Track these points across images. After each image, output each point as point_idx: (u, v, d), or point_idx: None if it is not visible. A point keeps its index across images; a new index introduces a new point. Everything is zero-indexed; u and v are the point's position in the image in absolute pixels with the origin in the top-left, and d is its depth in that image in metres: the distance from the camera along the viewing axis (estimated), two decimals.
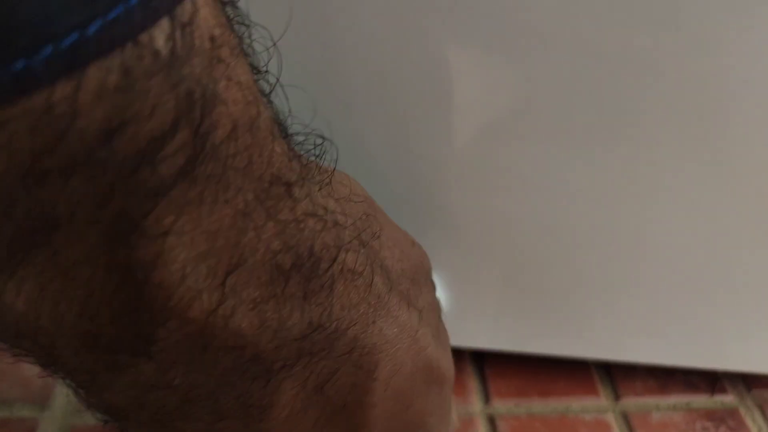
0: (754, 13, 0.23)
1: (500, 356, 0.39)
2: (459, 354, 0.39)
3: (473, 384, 0.37)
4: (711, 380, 0.38)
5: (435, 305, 0.19)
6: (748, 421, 0.36)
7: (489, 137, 0.27)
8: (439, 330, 0.19)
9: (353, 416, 0.16)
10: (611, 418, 0.35)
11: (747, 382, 0.39)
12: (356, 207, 0.15)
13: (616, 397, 0.37)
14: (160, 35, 0.09)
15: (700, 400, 0.37)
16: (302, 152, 0.14)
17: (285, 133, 0.13)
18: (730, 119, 0.26)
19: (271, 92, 0.13)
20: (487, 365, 0.38)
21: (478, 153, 0.28)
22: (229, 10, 0.11)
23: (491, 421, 0.35)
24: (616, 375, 0.38)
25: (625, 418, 0.36)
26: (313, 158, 0.14)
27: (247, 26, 0.12)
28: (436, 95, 0.26)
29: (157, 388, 0.13)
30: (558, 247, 0.31)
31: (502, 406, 0.36)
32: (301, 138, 0.14)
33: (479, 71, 0.25)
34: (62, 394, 0.34)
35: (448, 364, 0.19)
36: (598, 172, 0.28)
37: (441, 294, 0.33)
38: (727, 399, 0.37)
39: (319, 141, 0.14)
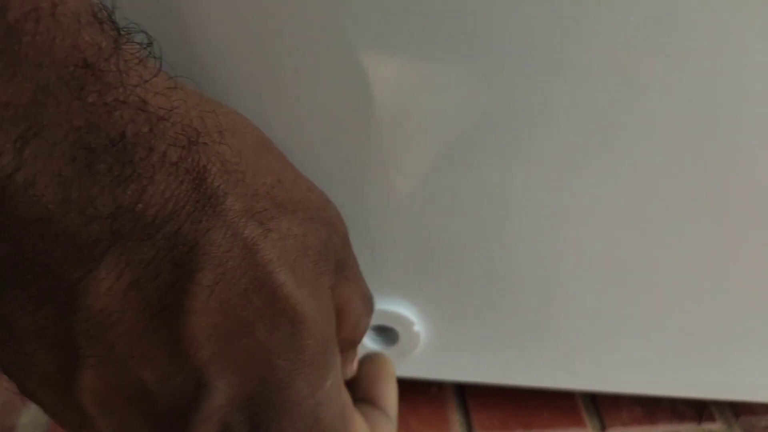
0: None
1: (483, 388, 0.38)
2: (441, 386, 0.38)
3: (455, 416, 0.36)
4: (698, 408, 0.38)
5: (311, 245, 0.17)
6: None
7: (465, 166, 0.26)
8: (302, 269, 0.17)
9: (173, 321, 0.15)
10: None
11: (734, 409, 0.38)
12: (194, 111, 0.15)
13: (602, 427, 0.36)
14: None
15: (688, 429, 0.36)
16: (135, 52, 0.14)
17: (100, 23, 0.13)
18: (713, 148, 0.25)
19: None
20: (469, 396, 0.37)
21: (454, 182, 0.26)
22: None
23: None
24: (602, 404, 0.37)
25: None
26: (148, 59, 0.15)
27: None
28: (403, 123, 0.25)
29: None
30: (542, 278, 0.30)
31: None
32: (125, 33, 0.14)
33: (441, 89, 0.24)
34: None
35: (308, 300, 0.17)
36: (581, 202, 0.27)
37: (422, 323, 0.32)
38: (715, 427, 0.37)
39: (145, 41, 0.15)
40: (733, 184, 0.26)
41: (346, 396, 0.21)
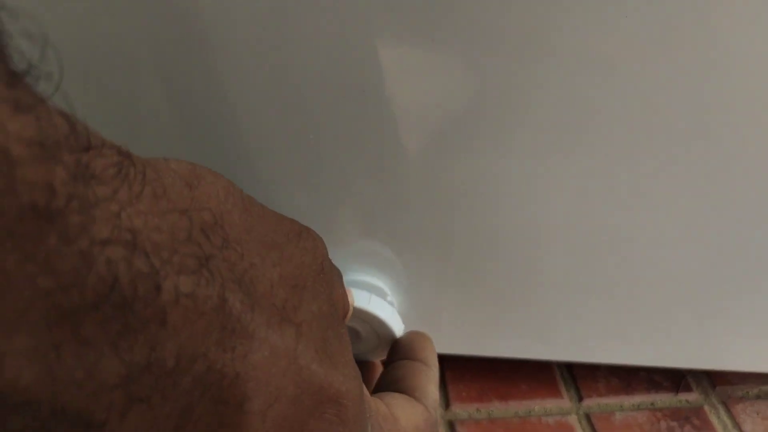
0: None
1: (460, 360, 0.38)
2: None
3: None
4: (675, 379, 0.38)
5: (326, 311, 0.17)
6: (713, 419, 0.36)
7: (444, 136, 0.26)
8: (327, 341, 0.16)
9: None
10: (574, 420, 0.35)
11: (711, 379, 0.38)
12: (193, 215, 0.13)
13: (579, 398, 0.36)
14: None
15: (665, 399, 0.36)
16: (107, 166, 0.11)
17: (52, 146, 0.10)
18: (693, 122, 0.25)
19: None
20: (446, 369, 0.37)
21: (431, 153, 0.26)
22: None
23: (451, 426, 0.34)
24: (579, 376, 0.37)
25: (588, 419, 0.35)
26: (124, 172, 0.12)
27: None
28: (399, 96, 0.25)
29: None
30: (517, 247, 0.30)
31: (462, 411, 0.35)
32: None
33: (433, 70, 0.24)
34: None
35: (342, 377, 0.16)
36: (558, 172, 0.27)
37: (398, 297, 0.32)
38: (692, 397, 0.37)
39: (118, 158, 0.11)
40: (711, 148, 0.26)
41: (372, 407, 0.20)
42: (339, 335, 0.17)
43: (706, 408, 0.36)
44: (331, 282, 0.18)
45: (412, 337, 0.29)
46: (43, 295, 0.10)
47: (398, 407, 0.22)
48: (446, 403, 0.35)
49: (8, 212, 0.09)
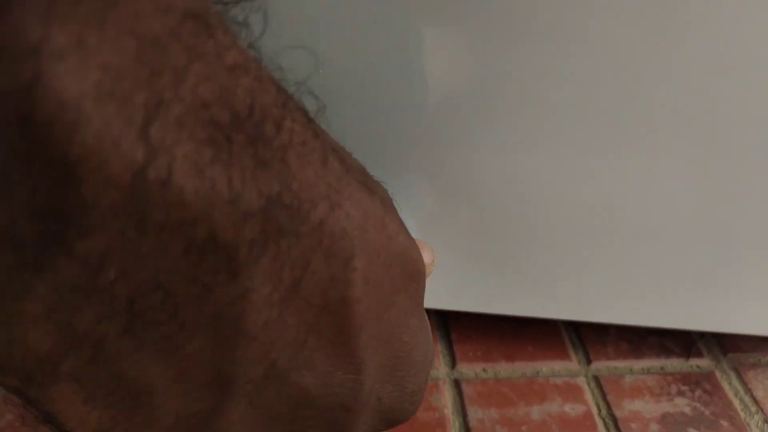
0: None
1: (467, 320, 0.37)
2: None
3: (439, 348, 0.35)
4: (686, 344, 0.37)
5: (392, 202, 0.17)
6: (724, 384, 0.35)
7: (460, 98, 0.25)
8: (402, 223, 0.16)
9: (338, 317, 0.13)
10: (583, 382, 0.34)
11: (723, 345, 0.37)
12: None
13: (588, 361, 0.35)
14: None
15: (675, 364, 0.36)
16: None
17: None
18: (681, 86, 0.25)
19: None
20: (453, 329, 0.36)
21: (445, 111, 0.26)
22: None
23: (457, 385, 0.33)
24: (587, 339, 0.37)
25: (597, 381, 0.34)
26: None
27: None
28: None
29: (88, 294, 0.10)
30: (526, 202, 0.29)
31: (468, 370, 0.34)
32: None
33: (453, 40, 0.24)
34: None
35: (419, 256, 0.16)
36: (566, 129, 0.26)
37: None
38: (703, 363, 0.36)
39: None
40: (716, 109, 0.26)
41: None
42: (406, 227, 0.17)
43: (717, 374, 0.35)
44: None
45: None
46: (204, 105, 0.10)
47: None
48: (452, 362, 0.34)
49: (174, 9, 0.09)
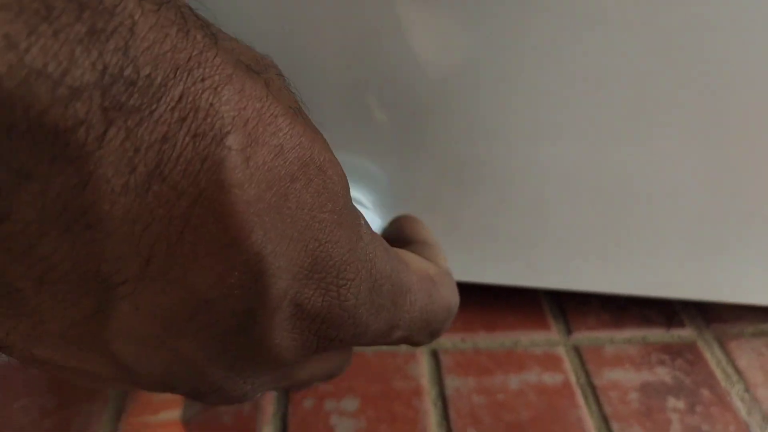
0: None
1: None
2: None
3: None
4: (668, 315, 0.37)
5: (288, 86, 0.15)
6: (707, 354, 0.34)
7: (453, 74, 0.25)
8: (299, 108, 0.15)
9: (216, 205, 0.12)
10: (562, 352, 0.34)
11: (705, 316, 0.37)
12: None
13: (568, 331, 0.35)
14: None
15: (657, 334, 0.35)
16: None
17: None
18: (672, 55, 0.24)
19: None
20: None
21: (435, 86, 0.25)
22: None
23: (434, 356, 0.33)
24: (568, 310, 0.36)
25: (577, 351, 0.34)
26: None
27: None
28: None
29: None
30: (506, 169, 0.29)
31: (446, 340, 0.34)
32: None
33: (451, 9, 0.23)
34: None
35: (319, 145, 0.14)
36: (545, 91, 0.26)
37: (380, 216, 0.31)
38: (685, 333, 0.36)
39: None
40: (704, 85, 0.25)
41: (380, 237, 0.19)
42: (326, 145, 0.16)
43: (700, 344, 0.35)
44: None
45: (400, 221, 0.25)
46: None
47: (407, 254, 0.21)
48: None
49: None
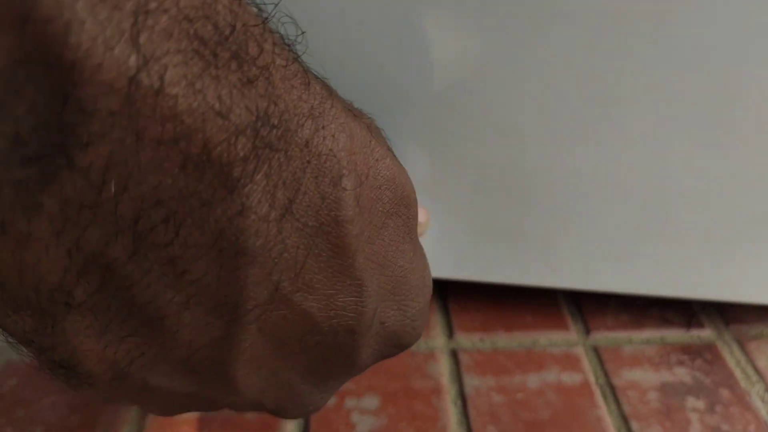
0: None
1: (463, 290, 0.37)
2: None
3: (436, 318, 0.35)
4: (687, 316, 0.37)
5: (380, 131, 0.17)
6: (726, 354, 0.34)
7: (462, 58, 0.25)
8: (390, 149, 0.17)
9: (332, 238, 0.14)
10: (581, 352, 0.34)
11: (725, 317, 0.37)
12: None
13: (587, 331, 0.35)
14: None
15: (676, 335, 0.35)
16: None
17: None
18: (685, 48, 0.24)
19: None
20: (451, 300, 0.36)
21: (444, 77, 0.26)
22: None
23: (454, 355, 0.33)
24: (586, 311, 0.36)
25: (596, 351, 0.34)
26: None
27: None
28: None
29: (94, 212, 0.11)
30: (526, 170, 0.29)
31: (466, 340, 0.34)
32: None
33: None
34: None
35: (408, 182, 0.16)
36: (565, 96, 0.26)
37: None
38: (704, 334, 0.36)
39: None
40: (721, 79, 0.25)
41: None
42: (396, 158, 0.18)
43: (719, 344, 0.35)
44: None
45: None
46: (186, 19, 0.10)
47: None
48: (449, 332, 0.34)
49: None
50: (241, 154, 0.11)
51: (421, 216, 0.25)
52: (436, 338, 0.34)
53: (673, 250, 0.32)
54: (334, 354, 0.16)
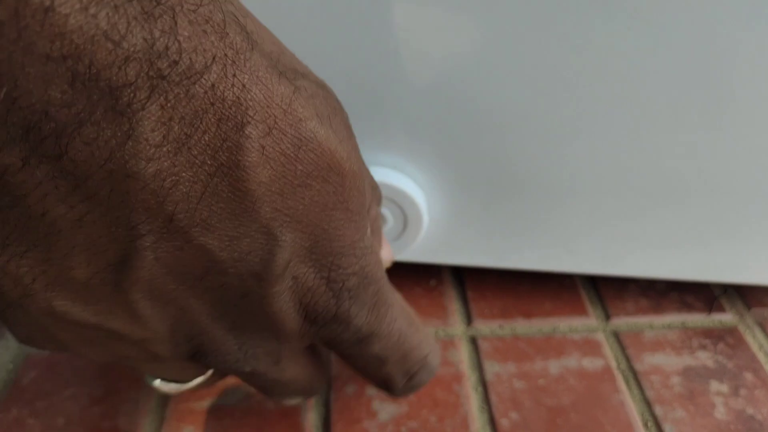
0: None
1: (481, 278, 0.37)
2: (440, 279, 0.37)
3: (454, 306, 0.35)
4: (708, 300, 0.36)
5: (337, 108, 0.17)
6: (748, 338, 0.34)
7: (472, 40, 0.25)
8: (337, 127, 0.17)
9: (232, 180, 0.14)
10: (601, 338, 0.33)
11: (746, 301, 0.36)
12: None
13: (607, 317, 0.35)
14: None
15: (697, 319, 0.35)
16: None
17: None
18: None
19: None
20: (469, 286, 0.36)
21: (457, 58, 0.25)
22: None
23: (473, 341, 0.33)
24: (605, 296, 0.36)
25: (617, 337, 0.34)
26: None
27: None
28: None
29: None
30: (543, 154, 0.29)
31: (484, 327, 0.34)
32: None
33: None
34: None
35: (346, 153, 0.17)
36: (582, 79, 0.26)
37: (417, 205, 0.31)
38: (725, 318, 0.35)
39: None
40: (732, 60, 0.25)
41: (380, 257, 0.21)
42: (352, 137, 0.18)
43: (741, 328, 0.35)
44: (336, 103, 0.18)
45: None
46: None
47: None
48: (468, 319, 0.34)
49: None
50: (131, 80, 0.12)
51: (386, 253, 0.26)
52: (454, 325, 0.34)
53: (693, 233, 0.32)
54: (242, 300, 0.16)
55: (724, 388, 0.31)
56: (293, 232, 0.16)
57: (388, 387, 0.23)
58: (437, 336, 0.33)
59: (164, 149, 0.13)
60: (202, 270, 0.15)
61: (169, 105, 0.12)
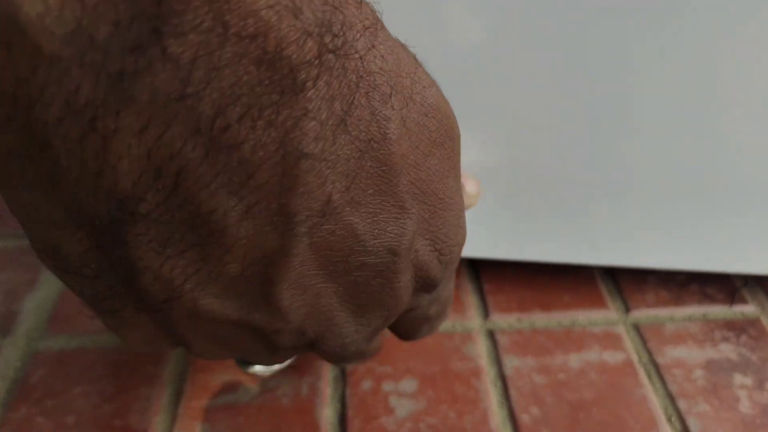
0: None
1: (498, 271, 0.36)
2: (457, 272, 0.36)
3: (471, 299, 0.34)
4: (729, 292, 0.36)
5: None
6: None
7: (498, 33, 0.24)
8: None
9: (380, 154, 0.14)
10: (622, 330, 0.33)
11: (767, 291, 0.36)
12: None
13: (626, 309, 0.34)
14: None
15: (718, 311, 0.34)
16: None
17: None
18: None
19: None
20: (485, 280, 0.35)
21: (476, 49, 0.25)
22: None
23: (491, 335, 0.32)
24: (625, 288, 0.35)
25: (637, 329, 0.33)
26: None
27: None
28: None
29: (177, 107, 0.11)
30: (560, 145, 0.28)
31: (502, 320, 0.33)
32: None
33: None
34: (26, 320, 0.31)
35: (453, 115, 0.16)
36: (602, 70, 0.25)
37: None
38: (747, 309, 0.35)
39: None
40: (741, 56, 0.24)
41: None
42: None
43: (763, 320, 0.34)
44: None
45: None
46: None
47: None
48: (485, 313, 0.33)
49: None
50: (308, 57, 0.12)
51: (473, 187, 0.24)
52: (471, 319, 0.33)
53: (713, 224, 0.31)
54: (374, 277, 0.16)
55: (748, 381, 0.30)
56: (419, 203, 0.16)
57: (407, 336, 0.23)
58: (454, 329, 0.32)
59: (328, 125, 0.13)
60: (346, 251, 0.15)
61: (333, 81, 0.12)
